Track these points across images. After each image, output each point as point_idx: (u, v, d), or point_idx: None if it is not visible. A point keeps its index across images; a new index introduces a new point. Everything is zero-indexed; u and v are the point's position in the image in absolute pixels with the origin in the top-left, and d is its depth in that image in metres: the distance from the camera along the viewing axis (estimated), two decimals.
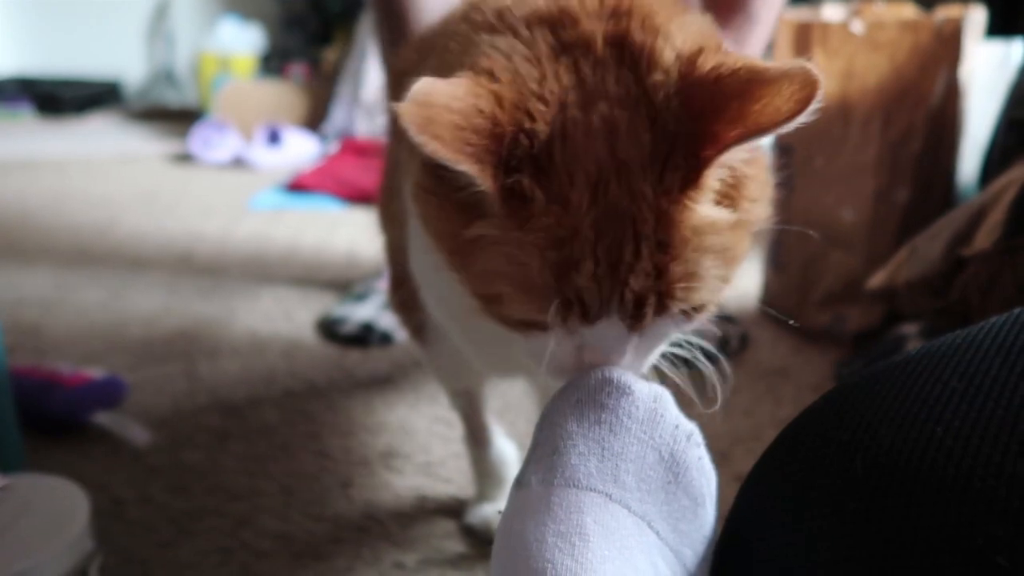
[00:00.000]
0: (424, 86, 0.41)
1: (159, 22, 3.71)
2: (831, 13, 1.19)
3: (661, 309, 0.43)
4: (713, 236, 0.42)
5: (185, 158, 2.52)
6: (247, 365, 1.14)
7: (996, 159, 1.03)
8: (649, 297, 0.42)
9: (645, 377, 0.48)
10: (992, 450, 0.37)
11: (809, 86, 0.39)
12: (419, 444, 0.94)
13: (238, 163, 2.50)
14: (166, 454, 0.90)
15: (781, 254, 1.25)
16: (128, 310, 1.32)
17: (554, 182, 0.41)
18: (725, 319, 1.23)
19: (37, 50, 3.70)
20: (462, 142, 0.41)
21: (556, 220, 0.41)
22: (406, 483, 0.87)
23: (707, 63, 0.42)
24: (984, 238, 0.79)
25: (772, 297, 1.30)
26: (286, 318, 1.30)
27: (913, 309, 0.92)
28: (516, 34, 0.46)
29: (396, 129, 0.63)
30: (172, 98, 3.62)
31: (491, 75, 0.43)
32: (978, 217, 0.82)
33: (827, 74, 1.11)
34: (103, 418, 0.92)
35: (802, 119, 0.40)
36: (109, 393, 0.95)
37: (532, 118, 0.42)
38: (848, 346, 1.17)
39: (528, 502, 0.42)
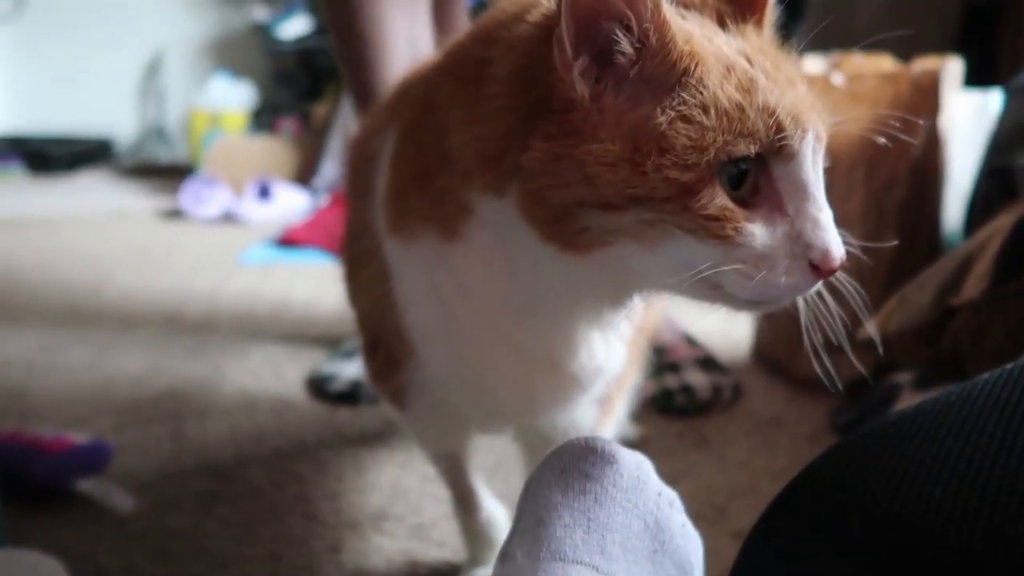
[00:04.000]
0: None
1: (151, 79, 3.76)
2: (811, 65, 1.21)
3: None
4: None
5: (176, 214, 2.53)
6: (235, 425, 1.12)
7: (979, 207, 1.04)
8: (809, 96, 0.47)
9: (626, 444, 0.47)
10: (992, 511, 0.37)
11: None
12: (411, 505, 0.92)
13: (228, 218, 2.51)
14: (150, 519, 0.88)
15: None
16: (115, 370, 1.30)
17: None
18: (717, 369, 1.23)
19: (29, 108, 3.73)
20: None
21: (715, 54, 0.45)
22: (397, 546, 0.84)
23: None
24: (972, 287, 0.79)
25: (764, 346, 1.30)
26: (276, 376, 1.29)
27: (905, 358, 0.92)
28: None
29: (364, 186, 0.63)
30: (163, 154, 3.65)
31: None
32: (965, 266, 0.83)
33: None
34: (86, 484, 0.90)
35: None
36: (93, 458, 0.93)
37: None
38: (842, 394, 1.16)
39: None
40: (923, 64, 1.08)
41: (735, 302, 0.47)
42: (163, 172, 3.30)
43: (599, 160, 0.43)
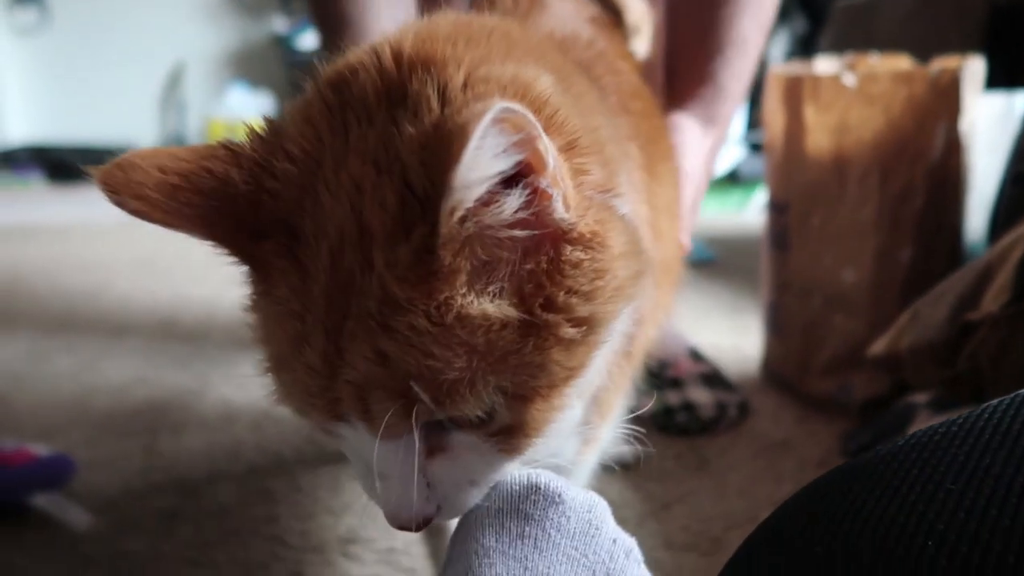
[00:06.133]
0: (135, 151, 0.38)
1: (172, 90, 3.78)
2: (824, 67, 1.14)
3: (403, 410, 0.36)
4: (472, 331, 0.36)
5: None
6: (212, 439, 1.07)
7: (1004, 215, 0.97)
8: (376, 391, 0.36)
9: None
10: (996, 573, 0.30)
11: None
12: (383, 528, 0.86)
13: None
14: (106, 540, 0.83)
15: (780, 317, 1.18)
16: (100, 380, 1.27)
17: (301, 248, 0.38)
18: (722, 386, 1.16)
19: (52, 119, 3.77)
20: (178, 203, 0.37)
21: (293, 290, 0.38)
22: (364, 572, 0.79)
23: (463, 113, 0.35)
24: (992, 301, 0.72)
25: (773, 362, 1.22)
26: (262, 387, 1.24)
27: (919, 379, 0.84)
28: (305, 95, 0.43)
29: None
30: None
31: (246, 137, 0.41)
32: (984, 278, 0.75)
33: (819, 128, 1.06)
34: (43, 500, 0.86)
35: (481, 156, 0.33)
36: (53, 472, 0.89)
37: (275, 178, 0.38)
38: (855, 415, 1.09)
39: None
40: (941, 64, 1.01)
41: None
42: None
43: None
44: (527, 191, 0.36)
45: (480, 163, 0.33)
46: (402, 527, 0.39)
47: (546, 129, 0.35)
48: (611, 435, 0.70)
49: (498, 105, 0.31)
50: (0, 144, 3.56)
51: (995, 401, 0.38)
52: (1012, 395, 0.38)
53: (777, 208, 1.15)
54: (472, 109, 0.32)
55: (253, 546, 0.83)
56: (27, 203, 2.99)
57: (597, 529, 0.37)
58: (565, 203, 0.37)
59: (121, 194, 0.37)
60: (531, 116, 0.33)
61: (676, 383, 1.14)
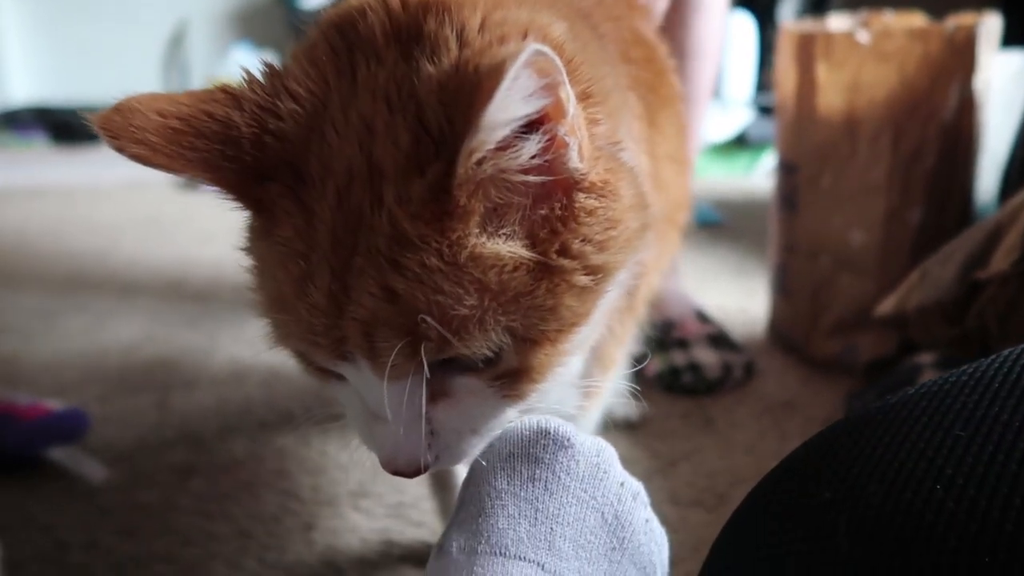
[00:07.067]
0: (133, 96, 0.38)
1: (175, 50, 3.74)
2: (837, 23, 1.13)
3: (409, 349, 0.36)
4: (484, 270, 0.36)
5: (192, 184, 2.50)
6: (223, 396, 1.08)
7: (1016, 176, 0.96)
8: (382, 328, 0.36)
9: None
10: (1003, 515, 0.31)
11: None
12: (392, 482, 0.88)
13: None
14: (121, 492, 0.85)
15: (787, 279, 1.18)
16: (110, 339, 1.28)
17: (306, 188, 0.37)
18: (728, 346, 1.17)
19: (55, 79, 3.74)
20: (180, 147, 0.37)
21: (298, 230, 0.37)
22: (374, 526, 0.80)
23: (489, 54, 0.35)
24: (1001, 259, 0.72)
25: (780, 324, 1.23)
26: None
27: (926, 337, 0.85)
28: (308, 39, 0.43)
29: None
30: None
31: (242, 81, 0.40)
32: (994, 237, 0.75)
33: (832, 87, 1.05)
34: (58, 453, 0.87)
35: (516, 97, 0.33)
36: (67, 426, 0.90)
37: (280, 118, 0.38)
38: (860, 376, 1.09)
39: (448, 574, 0.36)
40: (958, 20, 0.99)
41: None
42: None
43: None
44: (545, 137, 0.36)
45: (509, 105, 0.33)
46: (397, 472, 0.39)
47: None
48: (614, 388, 0.71)
49: (532, 47, 0.31)
50: (2, 105, 3.54)
51: (1005, 351, 0.39)
52: (1022, 345, 0.39)
53: (787, 169, 1.14)
54: (507, 49, 0.32)
55: (265, 499, 0.85)
56: (31, 164, 2.98)
57: (605, 472, 0.38)
58: (580, 153, 0.37)
59: (121, 139, 0.37)
60: (559, 61, 0.33)
61: (682, 344, 1.14)
